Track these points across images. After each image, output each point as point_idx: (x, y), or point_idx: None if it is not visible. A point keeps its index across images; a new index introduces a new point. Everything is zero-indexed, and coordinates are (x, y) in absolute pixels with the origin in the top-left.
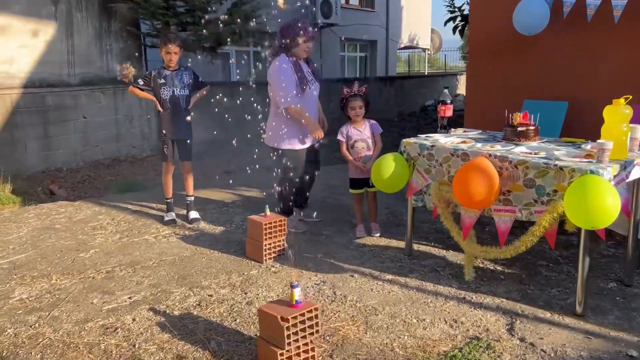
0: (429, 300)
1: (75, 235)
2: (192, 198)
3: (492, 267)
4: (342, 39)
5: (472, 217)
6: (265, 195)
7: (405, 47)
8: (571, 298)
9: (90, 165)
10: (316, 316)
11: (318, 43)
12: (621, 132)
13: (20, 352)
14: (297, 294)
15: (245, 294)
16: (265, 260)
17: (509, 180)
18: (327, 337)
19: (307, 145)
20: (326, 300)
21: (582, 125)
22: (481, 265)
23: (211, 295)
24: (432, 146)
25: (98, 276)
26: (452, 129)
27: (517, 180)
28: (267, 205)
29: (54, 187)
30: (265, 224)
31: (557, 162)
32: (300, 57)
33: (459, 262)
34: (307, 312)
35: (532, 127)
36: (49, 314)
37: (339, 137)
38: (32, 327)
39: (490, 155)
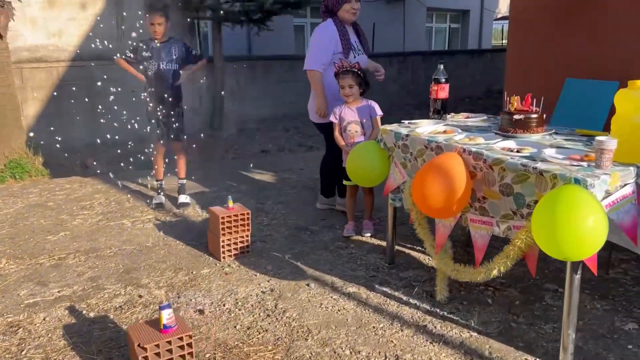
0: (381, 325)
1: (59, 215)
2: (184, 182)
3: (483, 287)
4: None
5: (447, 227)
6: (276, 180)
7: (504, 18)
8: None
9: (135, 139)
10: (190, 345)
11: (401, 13)
12: (636, 127)
13: None
14: (166, 317)
15: (179, 297)
16: (224, 258)
17: (483, 184)
18: None
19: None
20: (260, 315)
21: None
22: (472, 283)
23: (141, 297)
24: (407, 136)
25: (47, 263)
26: (452, 114)
27: (493, 184)
28: (230, 197)
29: (88, 161)
30: (223, 217)
31: (537, 165)
32: (346, 22)
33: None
34: (177, 339)
35: (533, 115)
36: None
37: (331, 117)
38: None
39: (464, 150)
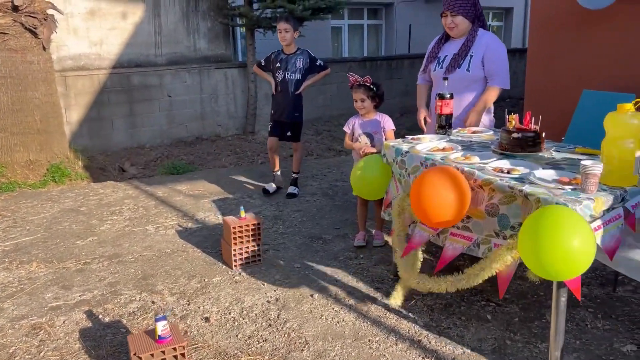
0: (378, 338)
1: (89, 220)
2: (296, 175)
3: (484, 302)
4: None
5: (424, 237)
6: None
7: None
8: None
9: (173, 143)
10: (183, 355)
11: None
12: (625, 151)
13: None
14: (161, 328)
15: (189, 305)
16: (235, 266)
17: (470, 203)
18: None
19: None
20: (263, 324)
21: None
22: (473, 298)
23: (154, 303)
24: (407, 152)
25: (73, 267)
26: (458, 128)
27: (480, 204)
28: (242, 207)
29: (126, 165)
30: (235, 227)
31: (523, 188)
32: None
33: (448, 293)
34: (171, 349)
35: (530, 134)
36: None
37: (345, 127)
38: None
39: (457, 168)
